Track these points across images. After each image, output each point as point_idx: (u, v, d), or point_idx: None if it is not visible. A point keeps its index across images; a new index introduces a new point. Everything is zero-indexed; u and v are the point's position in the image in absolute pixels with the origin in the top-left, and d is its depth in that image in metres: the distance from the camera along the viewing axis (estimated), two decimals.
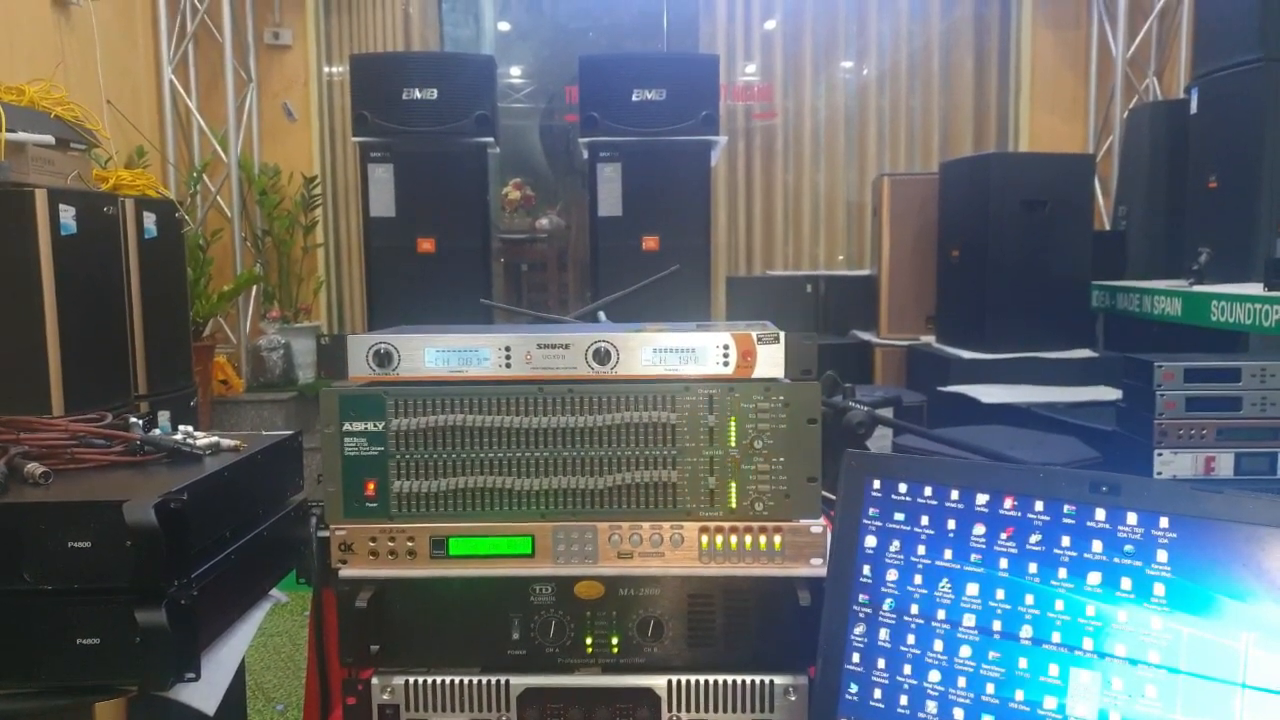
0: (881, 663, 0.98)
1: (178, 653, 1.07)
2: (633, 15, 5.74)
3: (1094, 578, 0.88)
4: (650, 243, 3.93)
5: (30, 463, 1.17)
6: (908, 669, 0.96)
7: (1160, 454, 2.05)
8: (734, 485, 1.16)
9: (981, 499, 0.95)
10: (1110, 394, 2.97)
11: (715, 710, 1.14)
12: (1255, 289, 2.80)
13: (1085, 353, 3.58)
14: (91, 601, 1.07)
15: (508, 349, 1.17)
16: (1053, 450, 2.29)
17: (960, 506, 0.96)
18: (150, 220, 3.30)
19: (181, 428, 1.37)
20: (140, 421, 1.37)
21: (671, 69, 3.93)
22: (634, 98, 3.85)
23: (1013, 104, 5.54)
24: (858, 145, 5.61)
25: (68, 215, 2.79)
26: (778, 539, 1.15)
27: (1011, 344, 3.54)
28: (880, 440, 2.15)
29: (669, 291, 3.23)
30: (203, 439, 1.34)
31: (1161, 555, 0.86)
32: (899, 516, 0.99)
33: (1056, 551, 0.90)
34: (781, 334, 1.17)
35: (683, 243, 3.91)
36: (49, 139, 2.86)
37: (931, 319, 4.13)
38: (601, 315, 2.07)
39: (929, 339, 4.07)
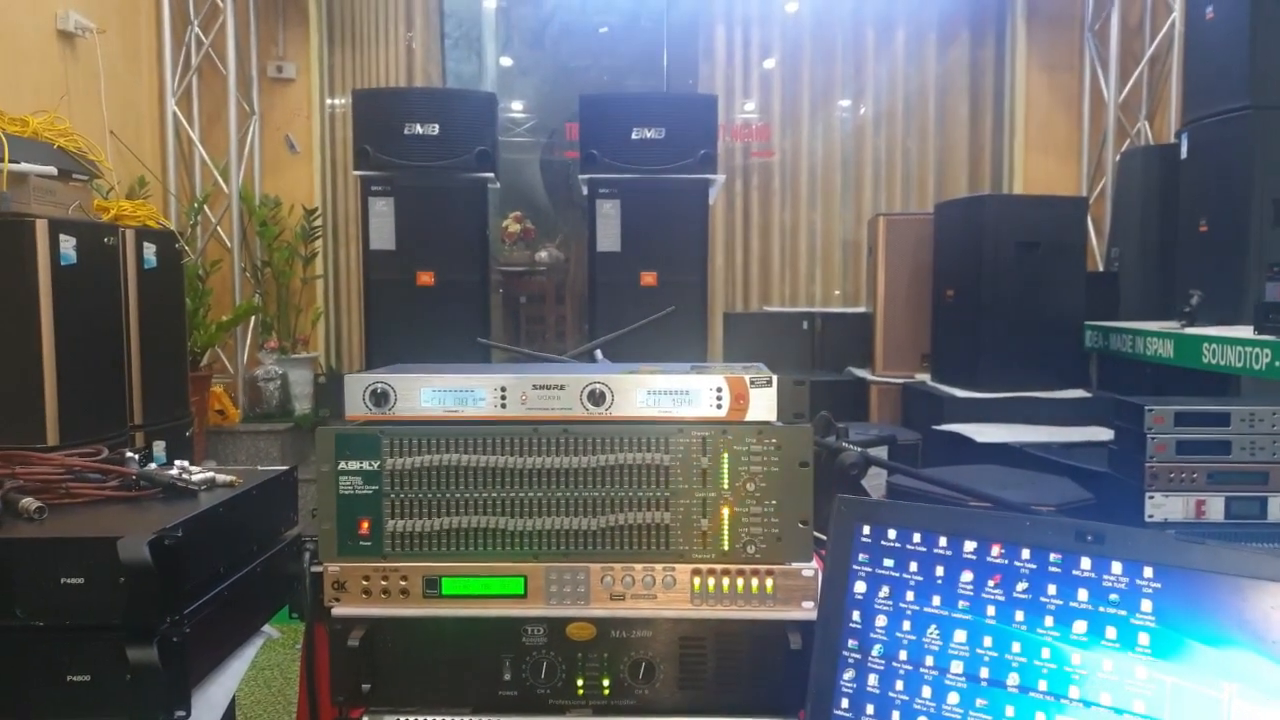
0: (870, 709, 0.98)
1: (168, 690, 1.07)
2: (633, 54, 5.82)
3: (1080, 626, 0.89)
4: (648, 279, 3.96)
5: (25, 498, 1.18)
6: (896, 715, 0.96)
7: (1151, 497, 2.06)
8: (726, 527, 1.16)
9: (969, 546, 0.96)
10: (1104, 434, 2.98)
11: None
12: (1245, 332, 2.83)
13: (1079, 393, 3.59)
14: (83, 638, 1.07)
15: (503, 389, 1.18)
16: (1045, 491, 2.29)
17: (948, 553, 0.97)
18: (150, 250, 3.32)
19: (178, 463, 1.38)
20: (136, 456, 1.38)
21: (671, 108, 3.98)
22: (633, 136, 3.90)
23: (1007, 146, 5.60)
24: (854, 184, 5.66)
25: (68, 245, 2.81)
26: (769, 582, 1.16)
27: (1006, 383, 3.56)
28: (875, 478, 2.15)
29: (666, 327, 3.26)
30: (198, 474, 1.35)
31: (1146, 605, 0.87)
32: (888, 562, 1.00)
33: (1043, 600, 0.91)
34: (774, 378, 1.18)
35: (680, 279, 3.94)
36: (51, 170, 2.88)
37: (927, 357, 4.15)
38: (598, 354, 2.09)
39: (924, 377, 4.08)
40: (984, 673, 0.92)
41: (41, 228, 2.73)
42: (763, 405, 1.18)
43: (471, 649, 1.16)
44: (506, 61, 6.05)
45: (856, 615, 1.01)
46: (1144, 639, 0.86)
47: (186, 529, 1.11)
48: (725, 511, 1.16)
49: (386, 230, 3.92)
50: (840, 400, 4.16)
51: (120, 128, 4.57)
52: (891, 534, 1.01)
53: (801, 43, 5.59)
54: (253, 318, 5.23)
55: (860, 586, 1.01)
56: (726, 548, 1.16)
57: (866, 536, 1.02)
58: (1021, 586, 0.93)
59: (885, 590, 1.00)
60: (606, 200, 3.94)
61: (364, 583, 1.16)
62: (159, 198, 4.93)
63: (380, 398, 1.18)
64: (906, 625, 0.98)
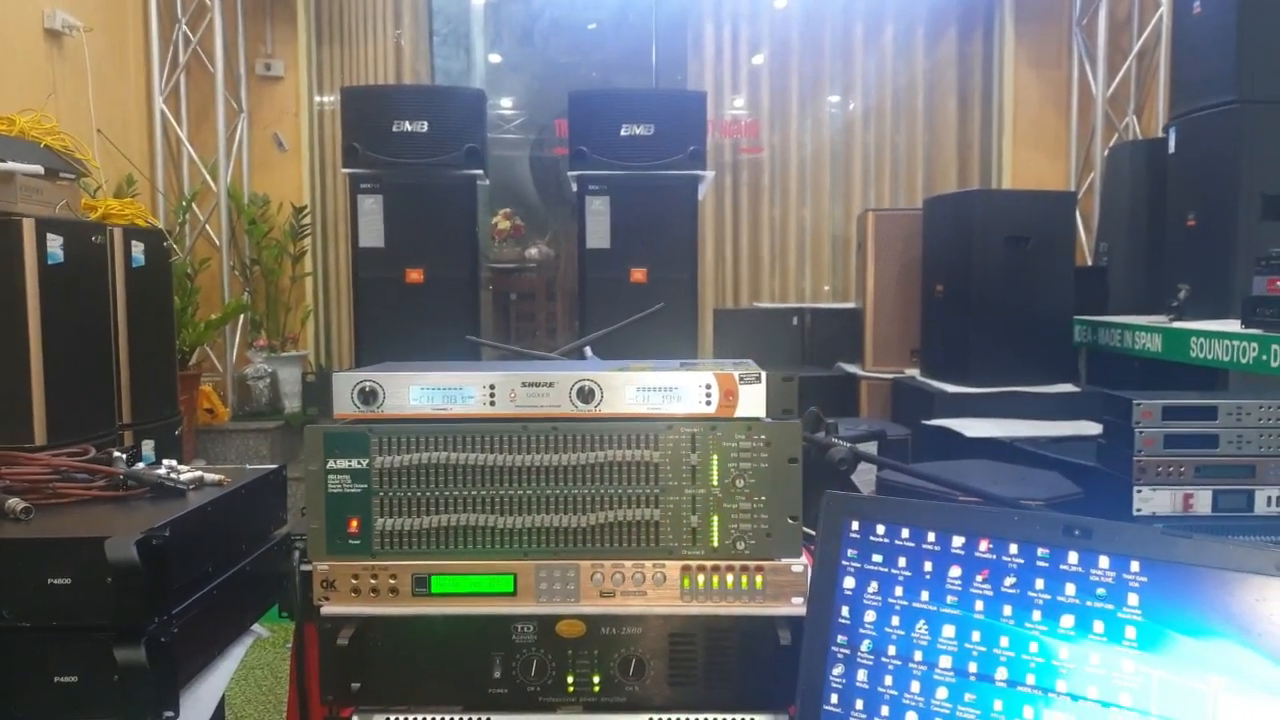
0: (860, 704, 0.98)
1: (157, 690, 1.07)
2: (622, 51, 5.82)
3: (1067, 620, 0.90)
4: (638, 275, 3.96)
5: (11, 498, 1.17)
6: (885, 710, 0.97)
7: (1139, 490, 2.06)
8: (716, 524, 1.16)
9: (958, 541, 0.96)
10: (1092, 428, 2.99)
11: None
12: (1233, 326, 2.84)
13: (1068, 387, 3.61)
14: (70, 639, 1.06)
15: (492, 387, 1.18)
16: (1035, 485, 2.30)
17: (937, 549, 0.97)
18: (138, 249, 3.30)
19: (166, 462, 1.37)
20: (124, 455, 1.37)
21: (660, 104, 3.98)
22: (623, 132, 3.90)
23: (996, 141, 5.62)
24: (843, 180, 5.68)
25: (55, 244, 2.80)
26: (759, 578, 1.16)
27: (995, 378, 3.57)
28: (865, 474, 2.16)
29: (656, 324, 3.26)
30: (186, 473, 1.34)
31: (1132, 599, 0.87)
32: (877, 558, 1.00)
33: (1031, 594, 0.92)
34: (763, 374, 1.18)
35: (670, 275, 3.94)
36: (38, 169, 2.86)
37: (916, 353, 4.16)
38: (588, 351, 2.09)
39: (913, 372, 4.09)
40: (972, 667, 0.93)
41: (28, 227, 2.72)
42: (752, 401, 1.18)
43: (461, 647, 1.15)
44: (495, 58, 6.04)
45: (845, 611, 1.01)
46: (1131, 632, 0.86)
47: (174, 529, 1.11)
48: (714, 508, 1.16)
49: (375, 228, 3.91)
50: (830, 396, 4.16)
51: (108, 126, 4.54)
52: (880, 529, 1.01)
53: (790, 39, 5.59)
54: (241, 316, 5.22)
55: (849, 582, 1.02)
56: (716, 544, 1.16)
57: (855, 532, 1.02)
58: (1009, 581, 0.93)
59: (874, 585, 1.00)
60: (596, 197, 3.94)
61: (353, 581, 1.16)
62: (147, 196, 4.90)
63: (369, 396, 1.18)
64: (895, 620, 0.98)
